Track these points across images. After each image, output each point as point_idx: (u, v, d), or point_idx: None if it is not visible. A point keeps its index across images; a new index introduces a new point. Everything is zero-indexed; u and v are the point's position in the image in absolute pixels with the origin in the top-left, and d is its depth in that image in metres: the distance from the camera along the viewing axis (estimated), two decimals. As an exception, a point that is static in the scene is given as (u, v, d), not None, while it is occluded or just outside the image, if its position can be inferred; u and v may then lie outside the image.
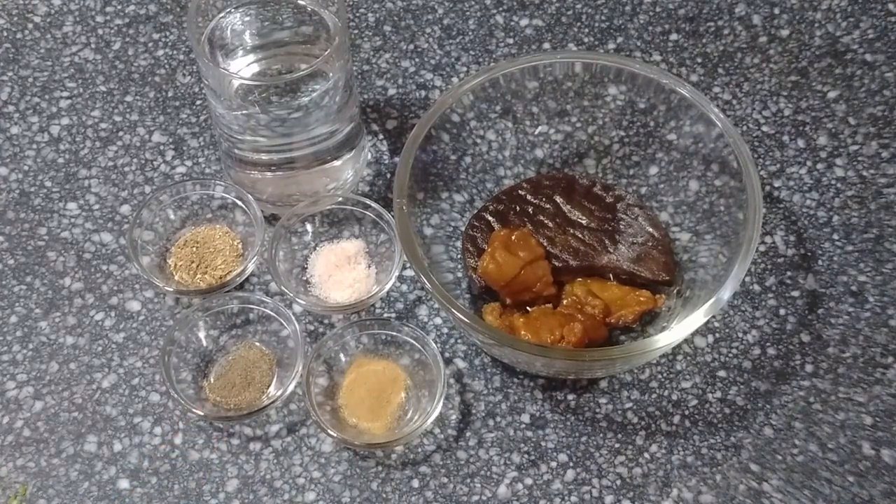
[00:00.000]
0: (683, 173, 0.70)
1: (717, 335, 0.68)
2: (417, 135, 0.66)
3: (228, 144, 0.70)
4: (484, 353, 0.68)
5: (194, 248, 0.71)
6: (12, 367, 0.67)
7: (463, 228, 0.70)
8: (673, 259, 0.69)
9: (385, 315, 0.69)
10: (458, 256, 0.70)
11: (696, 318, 0.60)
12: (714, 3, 0.83)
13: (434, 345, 0.65)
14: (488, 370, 0.67)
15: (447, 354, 0.68)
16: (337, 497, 0.63)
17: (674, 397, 0.66)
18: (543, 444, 0.65)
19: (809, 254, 0.72)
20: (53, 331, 0.69)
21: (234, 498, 0.63)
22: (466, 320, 0.60)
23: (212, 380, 0.66)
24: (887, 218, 0.73)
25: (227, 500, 0.63)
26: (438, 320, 0.69)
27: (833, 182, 0.74)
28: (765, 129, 0.77)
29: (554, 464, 0.64)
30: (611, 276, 0.68)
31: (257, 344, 0.68)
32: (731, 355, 0.68)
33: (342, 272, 0.69)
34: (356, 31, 0.82)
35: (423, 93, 0.79)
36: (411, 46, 0.81)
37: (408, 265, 0.70)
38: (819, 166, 0.75)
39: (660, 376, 0.67)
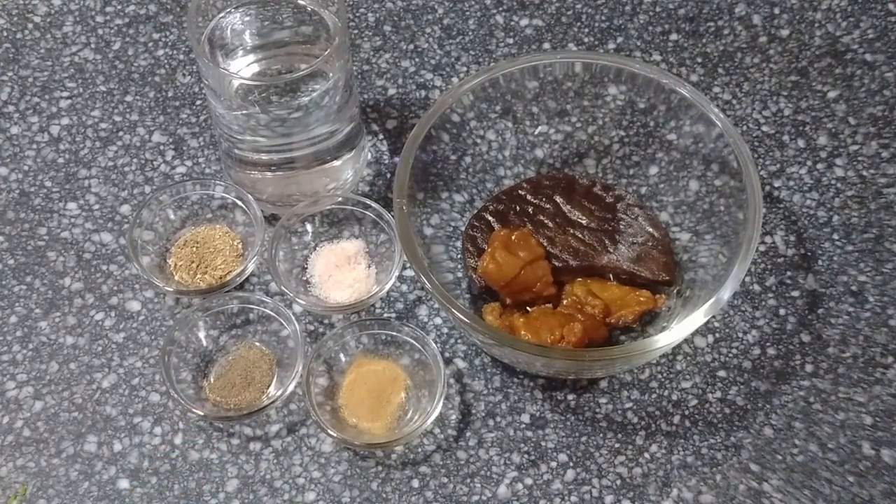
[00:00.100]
0: (683, 173, 0.70)
1: (717, 335, 0.68)
2: (417, 135, 0.66)
3: (228, 144, 0.70)
4: (484, 353, 0.68)
5: (194, 248, 0.71)
6: (12, 367, 0.67)
7: (463, 228, 0.70)
8: (673, 259, 0.69)
9: (385, 315, 0.69)
10: (458, 256, 0.70)
11: (696, 318, 0.60)
12: (714, 3, 0.83)
13: (434, 345, 0.65)
14: (488, 370, 0.67)
15: (447, 354, 0.68)
16: (337, 497, 0.63)
17: (674, 397, 0.66)
18: (543, 444, 0.65)
19: (809, 254, 0.72)
20: (53, 331, 0.69)
21: (234, 498, 0.63)
22: (466, 320, 0.60)
23: (212, 380, 0.66)
24: (887, 218, 0.73)
25: (227, 500, 0.63)
26: (438, 320, 0.69)
27: (833, 182, 0.74)
28: (765, 129, 0.77)
29: (554, 464, 0.64)
30: (611, 276, 0.68)
31: (257, 344, 0.68)
32: (731, 355, 0.68)
33: (342, 272, 0.69)
34: (356, 31, 0.82)
35: (423, 93, 0.79)
36: (411, 46, 0.81)
37: (408, 265, 0.70)
38: (819, 166, 0.75)
39: (660, 376, 0.67)
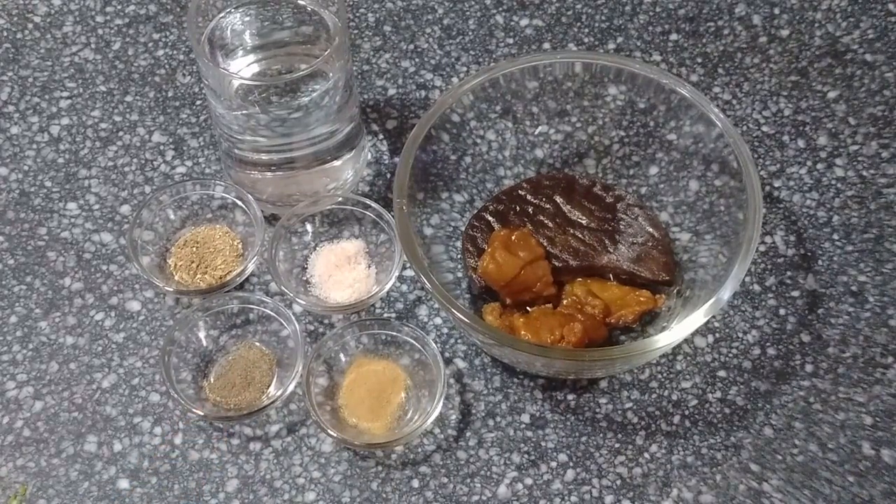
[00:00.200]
0: (683, 173, 0.70)
1: (717, 335, 0.68)
2: (417, 135, 0.66)
3: (228, 144, 0.70)
4: (484, 353, 0.68)
5: (194, 248, 0.71)
6: (12, 367, 0.67)
7: (463, 228, 0.70)
8: (673, 259, 0.69)
9: (385, 315, 0.69)
10: (458, 256, 0.70)
11: (696, 318, 0.60)
12: (714, 3, 0.83)
13: (434, 345, 0.65)
14: (488, 370, 0.67)
15: (447, 354, 0.68)
16: (337, 497, 0.63)
17: (674, 397, 0.66)
18: (543, 444, 0.65)
19: (809, 254, 0.72)
20: (53, 331, 0.69)
21: (234, 498, 0.63)
22: (466, 320, 0.60)
23: (212, 380, 0.66)
24: (887, 218, 0.73)
25: (227, 500, 0.63)
26: (438, 320, 0.69)
27: (833, 182, 0.74)
28: (765, 129, 0.77)
29: (554, 464, 0.64)
30: (611, 276, 0.68)
31: (257, 344, 0.68)
32: (731, 355, 0.68)
33: (342, 272, 0.69)
34: (356, 31, 0.82)
35: (423, 93, 0.79)
36: (411, 46, 0.81)
37: (408, 265, 0.70)
38: (819, 166, 0.75)
39: (660, 376, 0.67)
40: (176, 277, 0.70)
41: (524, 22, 0.83)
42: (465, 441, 0.65)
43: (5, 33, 0.82)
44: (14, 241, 0.72)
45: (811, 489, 0.63)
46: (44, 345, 0.68)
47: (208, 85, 0.66)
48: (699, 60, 0.80)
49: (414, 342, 0.66)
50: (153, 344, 0.68)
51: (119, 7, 0.83)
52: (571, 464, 0.64)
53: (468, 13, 0.83)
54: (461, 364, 0.67)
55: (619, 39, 0.82)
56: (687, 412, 0.66)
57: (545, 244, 0.68)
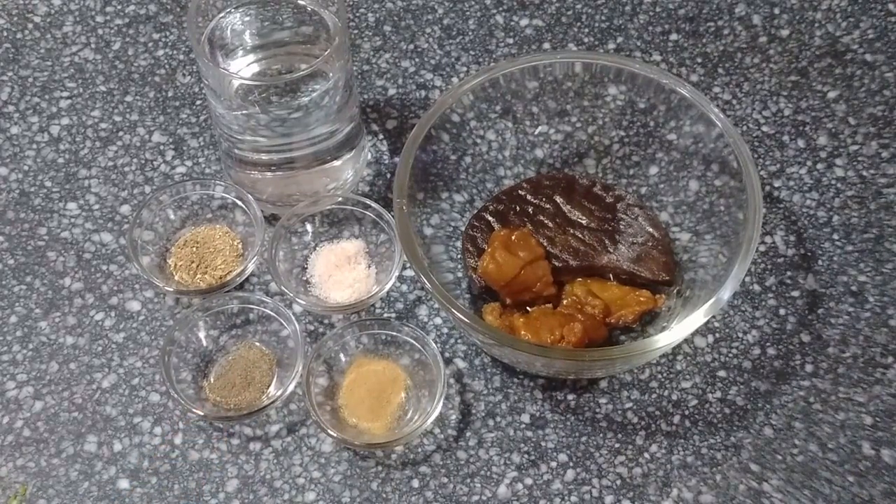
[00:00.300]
0: (683, 173, 0.70)
1: (717, 335, 0.68)
2: (417, 135, 0.66)
3: (228, 144, 0.70)
4: (484, 353, 0.68)
5: (194, 248, 0.71)
6: (12, 367, 0.67)
7: (463, 228, 0.70)
8: (673, 259, 0.69)
9: (385, 315, 0.69)
10: (458, 256, 0.70)
11: (696, 318, 0.60)
12: (714, 3, 0.83)
13: (434, 345, 0.65)
14: (488, 370, 0.67)
15: (447, 354, 0.68)
16: (337, 497, 0.63)
17: (674, 397, 0.66)
18: (543, 444, 0.65)
19: (809, 254, 0.72)
20: (53, 331, 0.69)
21: (234, 498, 0.63)
22: (466, 320, 0.60)
23: (212, 380, 0.66)
24: (887, 218, 0.73)
25: (227, 500, 0.63)
26: (438, 320, 0.69)
27: (833, 182, 0.74)
28: (765, 129, 0.77)
29: (554, 464, 0.64)
30: (611, 276, 0.68)
31: (257, 344, 0.68)
32: (731, 355, 0.68)
33: (342, 272, 0.69)
34: (356, 31, 0.82)
35: (423, 93, 0.79)
36: (411, 46, 0.81)
37: (408, 265, 0.70)
38: (819, 166, 0.75)
39: (660, 376, 0.67)
40: (176, 277, 0.70)
41: (524, 22, 0.83)
42: (465, 441, 0.65)
43: (5, 33, 0.82)
44: (14, 241, 0.72)
45: (811, 489, 0.63)
46: (44, 345, 0.68)
47: (208, 85, 0.66)
48: (699, 60, 0.80)
49: (414, 342, 0.66)
50: (153, 344, 0.68)
51: (119, 7, 0.83)
52: (571, 464, 0.64)
53: (468, 13, 0.83)
54: (461, 364, 0.67)
55: (619, 39, 0.82)
56: (687, 412, 0.66)
57: (545, 244, 0.68)
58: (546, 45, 0.81)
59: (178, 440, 0.65)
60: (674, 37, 0.82)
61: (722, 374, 0.67)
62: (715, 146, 0.67)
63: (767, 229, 0.72)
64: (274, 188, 0.71)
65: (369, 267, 0.70)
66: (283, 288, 0.68)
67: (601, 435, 0.65)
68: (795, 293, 0.70)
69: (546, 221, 0.69)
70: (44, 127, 0.77)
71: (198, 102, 0.79)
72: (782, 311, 0.69)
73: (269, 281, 0.70)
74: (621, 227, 0.69)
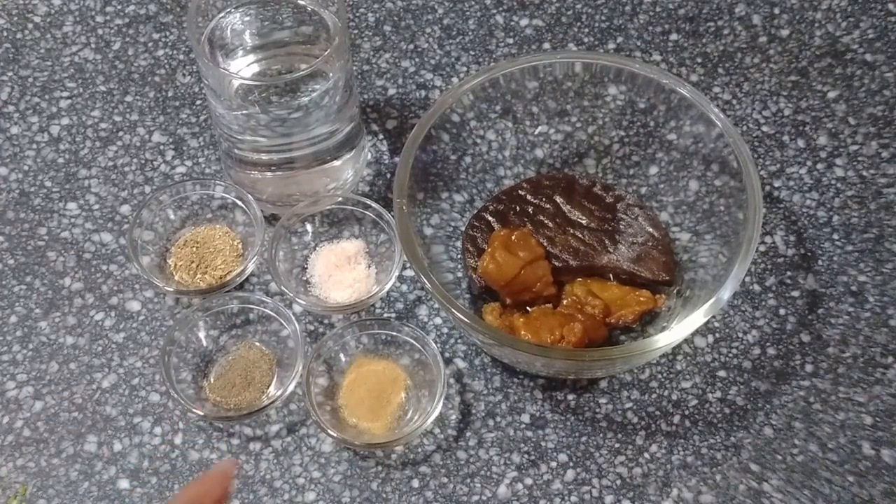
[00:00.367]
0: (683, 173, 0.70)
1: (717, 335, 0.68)
2: (417, 135, 0.66)
3: (228, 144, 0.70)
4: (484, 353, 0.68)
5: (194, 248, 0.71)
6: (12, 367, 0.67)
7: (463, 228, 0.70)
8: (673, 259, 0.69)
9: (385, 315, 0.69)
10: (458, 256, 0.70)
11: (696, 318, 0.60)
12: (714, 3, 0.83)
13: (434, 345, 0.65)
14: (488, 370, 0.67)
15: (447, 354, 0.68)
16: (337, 497, 0.63)
17: (674, 397, 0.66)
18: (543, 444, 0.65)
19: (809, 254, 0.72)
20: (53, 331, 0.69)
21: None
22: (466, 320, 0.60)
23: (212, 380, 0.66)
24: (887, 218, 0.73)
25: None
26: (438, 320, 0.69)
27: (833, 182, 0.74)
28: (765, 129, 0.77)
29: (554, 464, 0.64)
30: (611, 276, 0.68)
31: (257, 344, 0.68)
32: (731, 355, 0.68)
33: (342, 272, 0.69)
34: (356, 31, 0.82)
35: (423, 93, 0.79)
36: (411, 46, 0.81)
37: (408, 265, 0.70)
38: (819, 166, 0.75)
39: (660, 376, 0.67)
40: (176, 277, 0.70)
41: (524, 22, 0.83)
42: (465, 441, 0.65)
43: (5, 33, 0.82)
44: (14, 241, 0.72)
45: (811, 489, 0.63)
46: (44, 345, 0.68)
47: (208, 85, 0.66)
48: (699, 60, 0.80)
49: (414, 342, 0.66)
50: (153, 344, 0.68)
51: (119, 7, 0.83)
52: (571, 464, 0.64)
53: (468, 13, 0.83)
54: (461, 364, 0.67)
55: (619, 39, 0.82)
56: (687, 412, 0.66)
57: (545, 244, 0.68)
58: (546, 45, 0.81)
59: (178, 440, 0.65)
60: (674, 37, 0.82)
61: (722, 374, 0.67)
62: (715, 146, 0.67)
63: (767, 229, 0.72)
64: (274, 188, 0.71)
65: (369, 267, 0.70)
66: (283, 288, 0.68)
67: (601, 435, 0.65)
68: (795, 293, 0.70)
69: (546, 221, 0.69)
70: (44, 127, 0.77)
71: (198, 102, 0.79)
72: (782, 311, 0.69)
73: (269, 281, 0.70)
74: (621, 227, 0.69)
